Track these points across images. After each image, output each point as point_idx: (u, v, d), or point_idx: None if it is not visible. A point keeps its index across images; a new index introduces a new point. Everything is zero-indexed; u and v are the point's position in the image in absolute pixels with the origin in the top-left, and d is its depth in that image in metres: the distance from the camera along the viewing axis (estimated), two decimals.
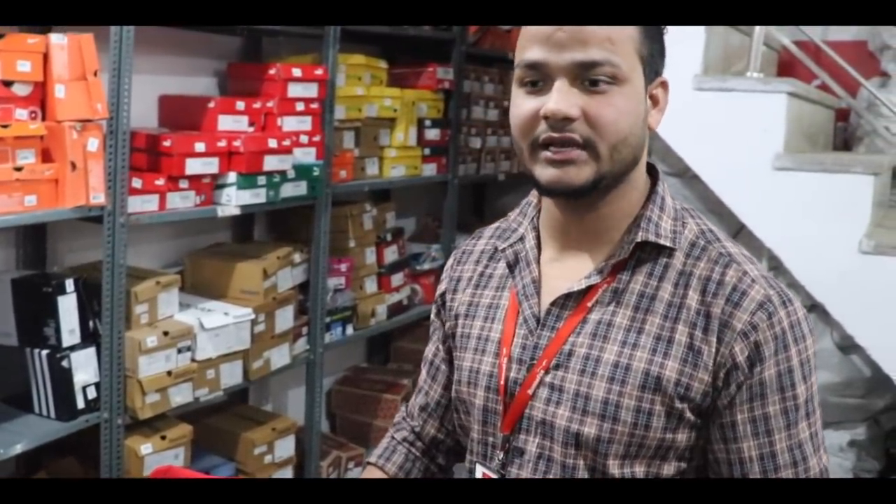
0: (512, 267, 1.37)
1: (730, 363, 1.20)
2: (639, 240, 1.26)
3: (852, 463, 3.26)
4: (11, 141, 2.30)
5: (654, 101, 1.28)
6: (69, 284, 2.52)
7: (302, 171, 3.20)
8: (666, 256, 1.27)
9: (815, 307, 3.13)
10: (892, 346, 2.84)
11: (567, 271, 1.31)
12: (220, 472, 3.02)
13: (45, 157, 2.40)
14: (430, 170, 4.02)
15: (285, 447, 3.33)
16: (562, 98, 1.18)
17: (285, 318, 3.25)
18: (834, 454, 3.27)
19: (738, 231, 3.54)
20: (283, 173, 3.11)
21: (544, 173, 1.22)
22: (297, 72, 3.17)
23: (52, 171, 2.38)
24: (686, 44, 3.09)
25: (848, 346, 3.08)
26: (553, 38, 1.19)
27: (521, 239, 1.38)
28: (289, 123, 3.18)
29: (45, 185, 2.38)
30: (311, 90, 3.24)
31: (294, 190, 3.19)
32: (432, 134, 3.99)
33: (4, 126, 2.28)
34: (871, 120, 3.69)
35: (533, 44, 1.21)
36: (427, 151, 3.97)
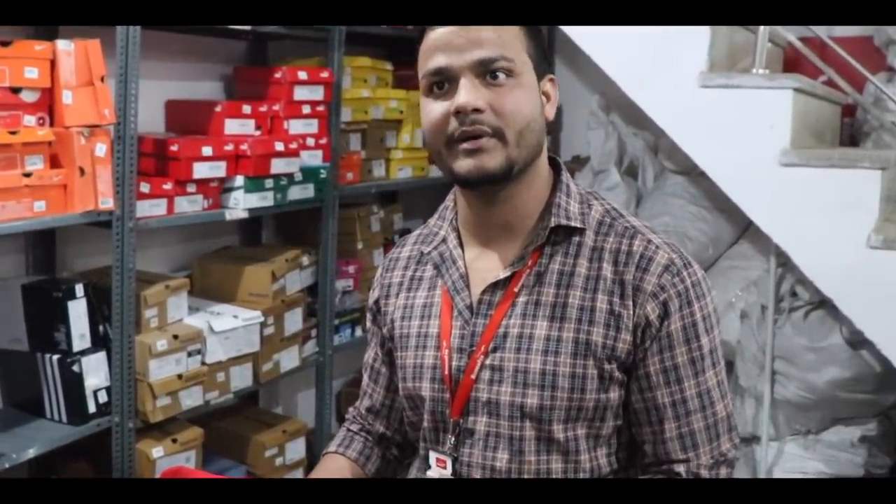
0: (439, 267, 1.49)
1: (644, 322, 1.37)
2: (552, 225, 1.41)
3: (864, 459, 3.25)
4: (20, 147, 2.31)
5: (547, 96, 1.43)
6: (79, 289, 2.53)
7: (309, 174, 3.21)
8: (578, 236, 1.42)
9: (823, 303, 3.13)
10: None
11: (491, 263, 1.44)
12: (231, 475, 3.02)
13: (54, 162, 2.41)
14: (436, 171, 4.01)
15: (296, 449, 3.34)
16: (469, 92, 1.32)
17: (294, 321, 3.26)
18: (845, 450, 3.26)
19: (746, 228, 3.54)
20: (290, 176, 3.12)
21: (462, 165, 1.35)
22: (302, 75, 3.18)
23: (60, 176, 2.39)
24: (691, 41, 3.09)
25: (857, 341, 3.07)
26: (453, 44, 1.34)
27: (444, 240, 1.50)
28: (295, 126, 3.18)
29: (54, 191, 2.39)
30: (317, 93, 3.25)
31: (301, 192, 3.20)
32: None
33: (13, 132, 2.29)
34: (878, 115, 3.67)
35: (435, 52, 1.35)
36: None
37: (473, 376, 1.40)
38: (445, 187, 4.60)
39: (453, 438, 1.43)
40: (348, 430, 1.68)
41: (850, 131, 3.95)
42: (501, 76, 1.33)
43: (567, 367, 1.36)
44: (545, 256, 1.41)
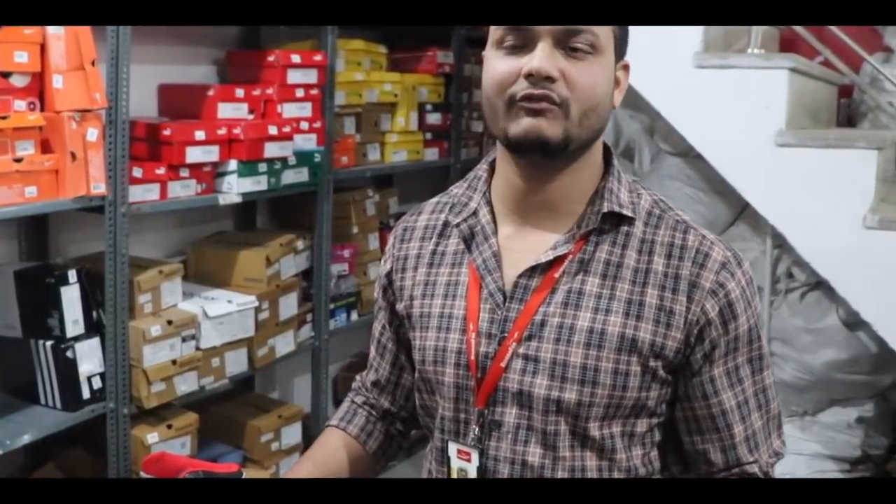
0: (468, 242, 1.38)
1: (703, 320, 1.27)
2: (605, 210, 1.31)
3: (860, 440, 3.26)
4: (10, 132, 2.29)
5: (616, 82, 1.33)
6: (72, 275, 2.52)
7: (303, 158, 3.20)
8: (627, 225, 1.32)
9: (820, 284, 3.12)
10: None
11: (528, 244, 1.33)
12: (227, 460, 3.01)
13: (45, 147, 2.39)
14: (431, 154, 4.01)
15: (292, 434, 3.34)
16: (546, 58, 1.22)
17: (289, 306, 3.25)
18: (842, 431, 3.27)
19: (743, 209, 3.53)
20: (284, 160, 3.10)
21: (519, 124, 1.24)
22: (296, 58, 3.16)
23: (51, 161, 2.37)
24: None
25: (854, 322, 3.07)
26: None
27: (475, 213, 1.38)
28: (289, 110, 3.17)
29: (46, 176, 2.37)
30: (311, 76, 3.23)
31: (295, 177, 3.19)
32: (433, 118, 3.98)
33: (3, 117, 2.27)
34: (874, 95, 3.66)
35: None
36: (428, 136, 3.96)
37: (503, 364, 1.30)
38: (440, 170, 4.60)
39: (478, 429, 1.33)
40: (352, 401, 1.60)
41: (847, 112, 3.94)
42: (582, 50, 1.23)
43: (610, 363, 1.26)
44: (591, 244, 1.31)
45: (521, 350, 1.30)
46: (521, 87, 1.23)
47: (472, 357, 1.33)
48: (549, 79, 1.22)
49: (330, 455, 1.53)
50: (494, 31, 1.27)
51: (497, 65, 1.26)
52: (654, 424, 1.32)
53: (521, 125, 1.24)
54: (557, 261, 1.31)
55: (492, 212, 1.38)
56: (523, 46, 1.24)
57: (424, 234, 1.45)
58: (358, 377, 1.63)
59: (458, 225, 1.39)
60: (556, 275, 1.30)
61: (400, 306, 1.46)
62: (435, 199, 1.48)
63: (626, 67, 1.34)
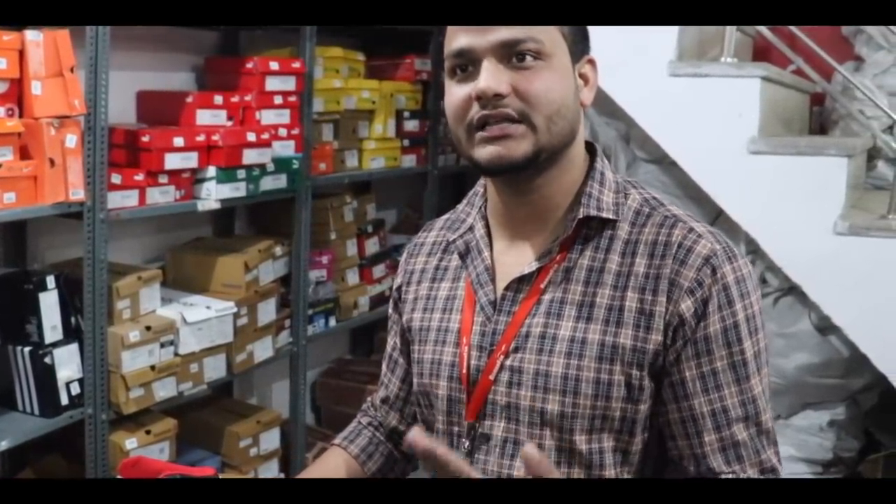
0: (464, 257, 1.38)
1: (677, 320, 1.23)
2: (580, 216, 1.28)
3: (832, 443, 3.30)
4: None
5: (585, 79, 1.31)
6: (50, 281, 2.52)
7: (281, 164, 3.21)
8: (611, 229, 1.29)
9: (792, 289, 3.17)
10: (869, 326, 2.88)
11: (518, 256, 1.33)
12: (206, 466, 3.02)
13: (24, 154, 2.39)
14: (409, 161, 4.03)
15: (270, 440, 3.34)
16: (490, 76, 1.21)
17: (268, 311, 3.26)
18: (814, 434, 3.31)
19: (717, 216, 3.58)
20: (262, 167, 3.11)
21: (483, 152, 1.24)
22: (274, 65, 3.17)
23: (30, 168, 2.38)
24: (660, 30, 3.11)
25: (825, 326, 3.12)
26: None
27: (471, 228, 1.39)
28: (267, 117, 3.18)
29: (24, 182, 2.37)
30: (289, 83, 3.24)
31: (274, 183, 3.20)
32: (411, 125, 4.00)
33: None
34: (845, 103, 3.72)
35: (458, 33, 1.24)
36: (406, 143, 3.98)
37: (492, 377, 1.29)
38: (418, 177, 4.62)
39: (468, 443, 1.32)
40: (359, 421, 1.60)
41: (820, 120, 4.00)
42: (528, 58, 1.21)
43: (591, 373, 1.24)
44: (574, 251, 1.29)
45: (507, 363, 1.29)
46: (476, 112, 1.23)
47: (464, 370, 1.33)
48: (499, 96, 1.21)
49: (327, 474, 1.52)
50: (446, 61, 1.28)
51: (452, 94, 1.27)
52: (647, 440, 1.29)
53: (486, 153, 1.24)
54: (542, 271, 1.30)
55: (487, 226, 1.38)
56: (471, 70, 1.24)
57: (431, 249, 1.47)
58: (369, 398, 1.63)
59: (454, 241, 1.40)
60: (542, 285, 1.30)
61: (404, 319, 1.47)
62: (445, 216, 1.50)
63: (591, 62, 1.32)
